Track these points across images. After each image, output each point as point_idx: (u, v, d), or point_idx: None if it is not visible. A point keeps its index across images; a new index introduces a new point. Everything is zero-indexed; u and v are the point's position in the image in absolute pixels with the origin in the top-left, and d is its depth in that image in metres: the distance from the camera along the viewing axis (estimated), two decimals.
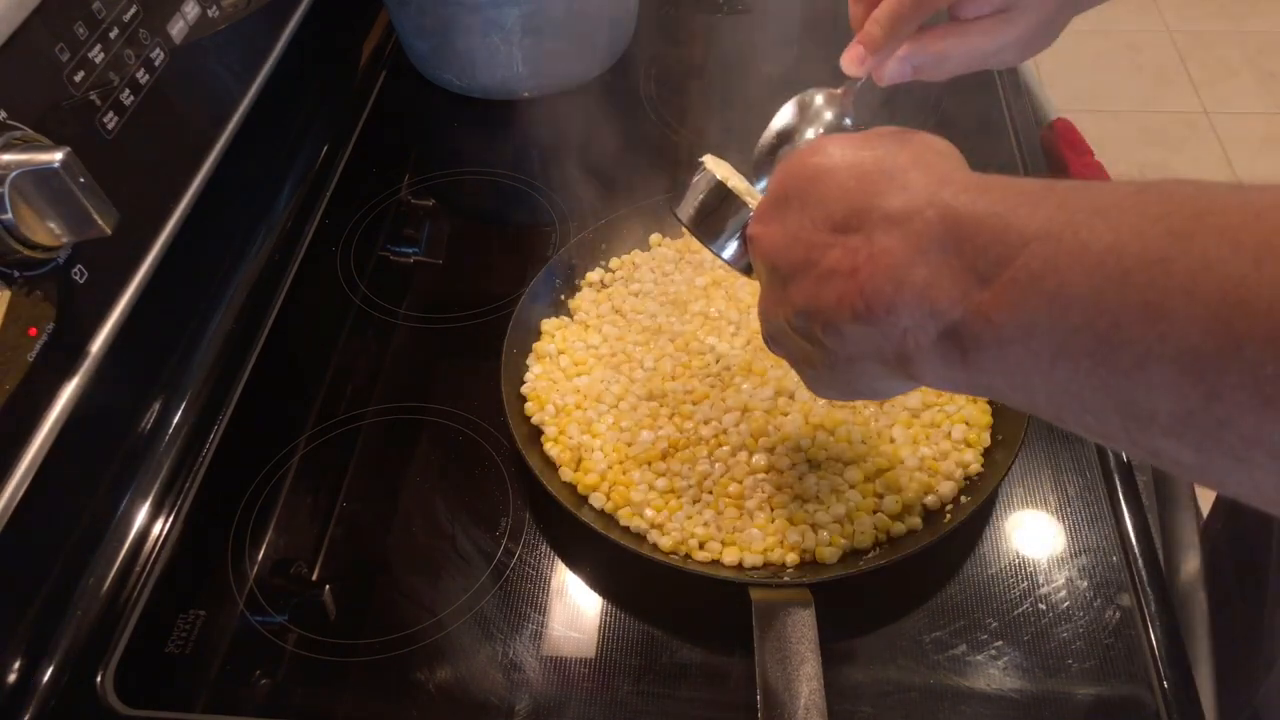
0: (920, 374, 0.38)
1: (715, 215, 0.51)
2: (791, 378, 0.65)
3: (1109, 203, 0.30)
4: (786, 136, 0.53)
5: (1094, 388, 0.30)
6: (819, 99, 0.53)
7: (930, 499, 0.58)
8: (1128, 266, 0.28)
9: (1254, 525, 0.70)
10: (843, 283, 0.38)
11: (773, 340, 0.47)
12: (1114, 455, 0.61)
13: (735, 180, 0.51)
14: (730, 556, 0.57)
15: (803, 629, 0.51)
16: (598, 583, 0.58)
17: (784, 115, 0.53)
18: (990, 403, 0.63)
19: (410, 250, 0.81)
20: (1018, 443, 0.58)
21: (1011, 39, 0.50)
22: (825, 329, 0.39)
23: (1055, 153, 0.84)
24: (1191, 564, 0.61)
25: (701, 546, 0.57)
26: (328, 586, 0.59)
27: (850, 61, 0.49)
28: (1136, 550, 0.57)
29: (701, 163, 0.52)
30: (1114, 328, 0.29)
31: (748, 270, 0.51)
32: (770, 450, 0.61)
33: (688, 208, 0.52)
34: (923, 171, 0.38)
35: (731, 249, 0.51)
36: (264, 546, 0.61)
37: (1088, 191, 0.32)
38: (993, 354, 0.33)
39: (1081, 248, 0.30)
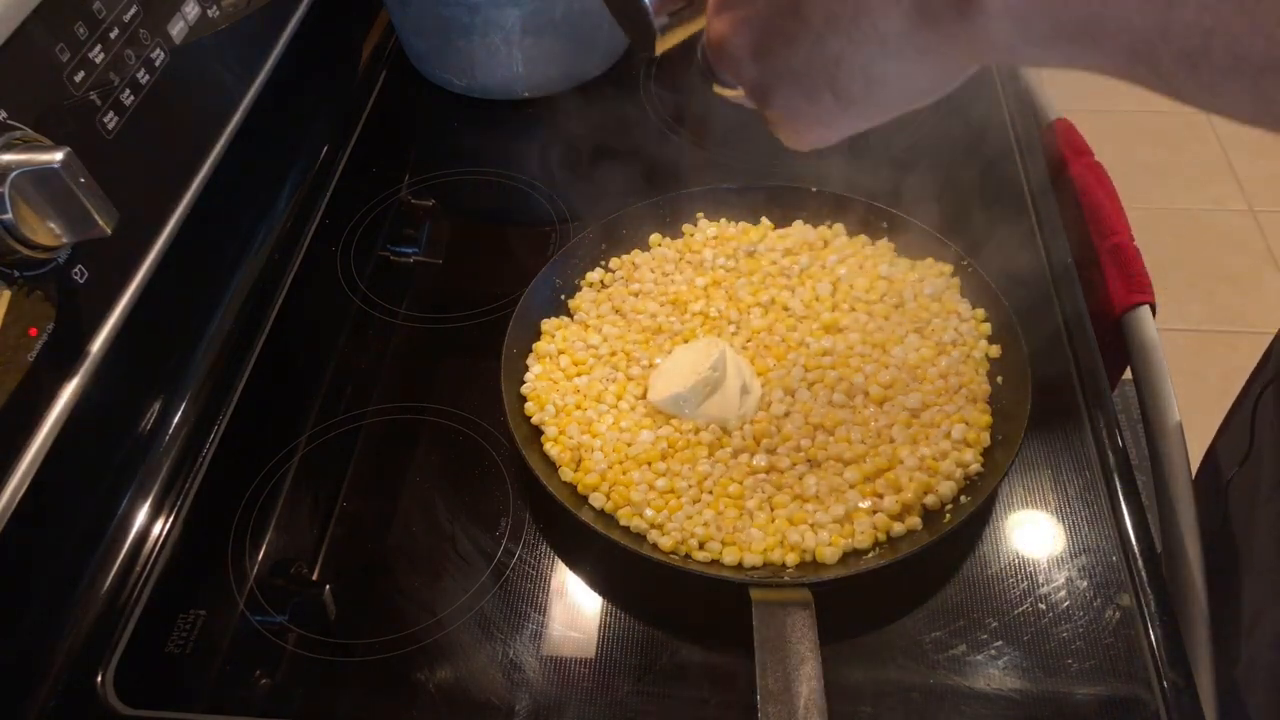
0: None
1: None
2: (793, 377, 0.65)
3: None
4: None
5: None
6: None
7: (930, 499, 0.58)
8: None
9: (1240, 492, 0.70)
10: None
11: (741, 21, 0.37)
12: (1114, 455, 0.61)
13: None
14: (730, 556, 0.56)
15: (803, 629, 0.51)
16: (598, 583, 0.58)
17: None
18: (990, 402, 0.63)
19: (410, 250, 0.81)
20: (1018, 443, 0.58)
21: None
22: None
23: (1055, 153, 0.84)
24: (1192, 563, 0.61)
25: (701, 546, 0.57)
26: (328, 586, 0.59)
27: None
28: (1136, 550, 0.57)
29: None
30: None
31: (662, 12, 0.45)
32: (770, 450, 0.61)
33: None
34: None
35: None
36: (264, 546, 0.61)
37: None
38: None
39: None
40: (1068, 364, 0.67)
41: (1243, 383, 0.76)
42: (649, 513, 0.59)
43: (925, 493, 0.59)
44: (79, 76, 0.57)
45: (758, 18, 0.36)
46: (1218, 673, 0.55)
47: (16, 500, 0.53)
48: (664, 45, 0.47)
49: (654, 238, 0.76)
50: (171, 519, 0.63)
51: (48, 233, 0.51)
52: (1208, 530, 0.63)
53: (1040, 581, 0.56)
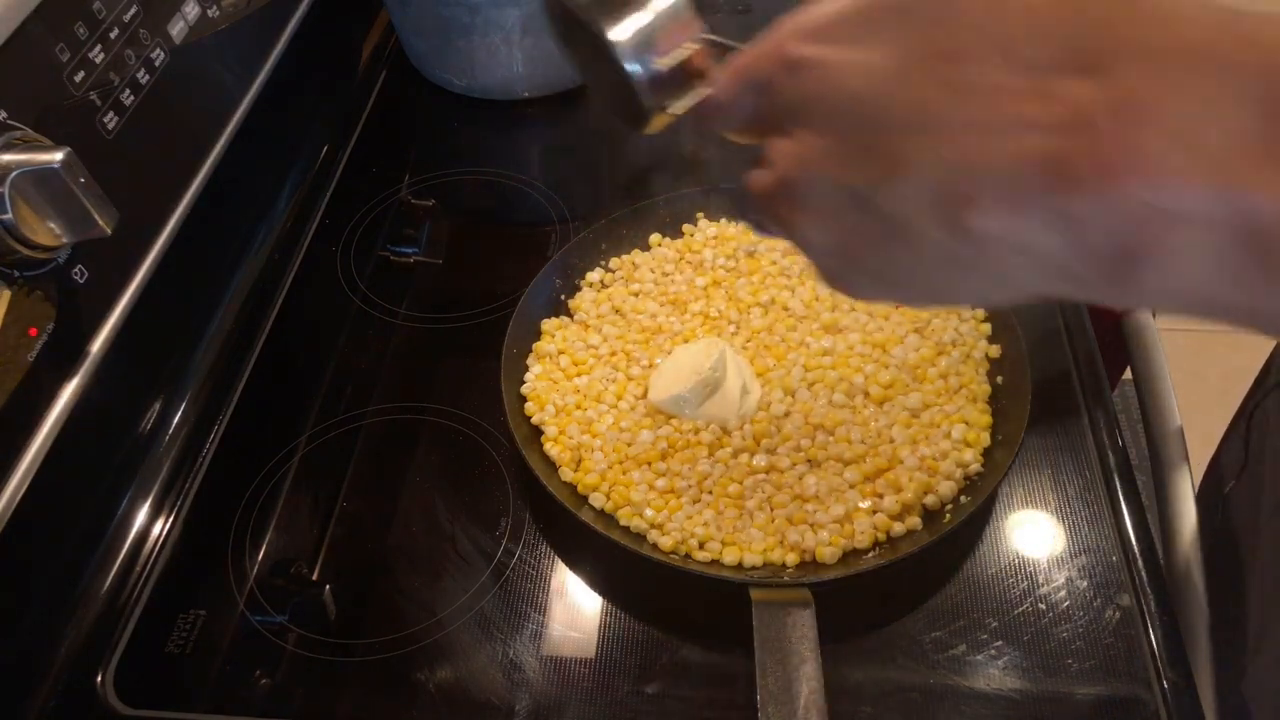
0: (1147, 278, 0.26)
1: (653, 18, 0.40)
2: (793, 377, 0.65)
3: None
4: None
5: None
6: None
7: (930, 499, 0.58)
8: None
9: (1241, 504, 0.70)
10: (1045, 139, 0.26)
11: (798, 204, 0.33)
12: (1114, 455, 0.61)
13: None
14: (730, 556, 0.56)
15: (803, 629, 0.51)
16: (598, 583, 0.58)
17: None
18: (990, 402, 0.63)
19: (410, 250, 0.81)
20: (1017, 443, 0.58)
21: None
22: (969, 204, 0.27)
23: None
24: (1191, 563, 0.61)
25: (701, 546, 0.57)
26: (328, 586, 0.59)
27: None
28: (1136, 550, 0.57)
29: None
30: None
31: (657, 93, 0.41)
32: (770, 450, 0.61)
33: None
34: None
35: (658, 64, 0.41)
36: (264, 546, 0.61)
37: None
38: None
39: None
40: (1068, 364, 0.67)
41: (1242, 383, 0.76)
42: (649, 513, 0.59)
43: (925, 493, 0.58)
44: (79, 76, 0.57)
45: (822, 229, 0.32)
46: (1224, 689, 0.55)
47: (16, 500, 0.53)
48: (657, 126, 0.43)
49: (654, 238, 0.76)
50: (171, 519, 0.63)
51: (48, 233, 0.51)
52: (1210, 539, 0.63)
53: (1040, 581, 0.56)
